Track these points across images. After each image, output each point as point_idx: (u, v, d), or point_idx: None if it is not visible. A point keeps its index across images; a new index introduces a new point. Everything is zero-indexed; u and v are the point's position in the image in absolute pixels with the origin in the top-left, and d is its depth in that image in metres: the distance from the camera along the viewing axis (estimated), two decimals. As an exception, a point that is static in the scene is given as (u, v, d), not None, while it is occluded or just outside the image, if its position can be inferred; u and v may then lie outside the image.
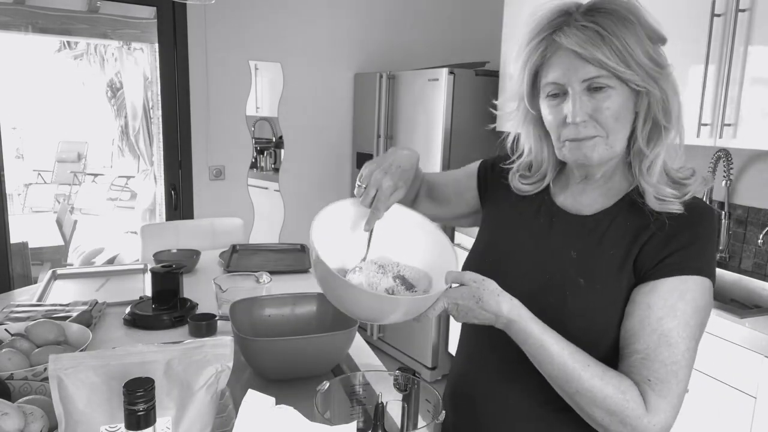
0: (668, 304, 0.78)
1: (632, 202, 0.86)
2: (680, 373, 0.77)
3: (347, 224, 0.99)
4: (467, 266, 1.00)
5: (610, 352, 0.83)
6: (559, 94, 0.83)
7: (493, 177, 1.06)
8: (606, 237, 0.86)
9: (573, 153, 0.85)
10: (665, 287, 0.79)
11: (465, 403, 0.97)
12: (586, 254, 0.86)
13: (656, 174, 0.83)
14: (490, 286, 0.80)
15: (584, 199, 0.92)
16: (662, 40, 0.83)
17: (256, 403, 0.71)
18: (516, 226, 0.98)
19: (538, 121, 0.90)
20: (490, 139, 3.02)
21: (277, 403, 0.73)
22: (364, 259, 0.90)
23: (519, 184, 0.98)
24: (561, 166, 0.96)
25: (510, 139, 0.98)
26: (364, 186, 1.00)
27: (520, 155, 0.98)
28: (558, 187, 0.96)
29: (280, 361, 1.14)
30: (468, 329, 1.02)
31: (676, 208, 0.82)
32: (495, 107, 1.01)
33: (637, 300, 0.81)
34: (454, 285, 0.82)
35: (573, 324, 0.83)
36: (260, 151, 3.57)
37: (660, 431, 0.77)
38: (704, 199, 2.26)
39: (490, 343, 0.93)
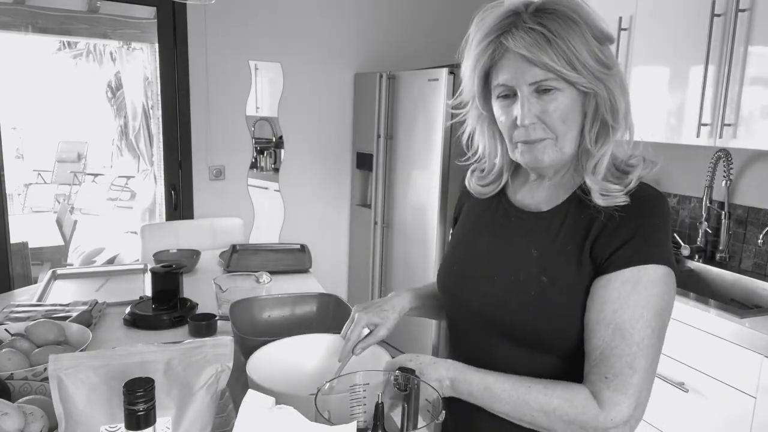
0: (621, 296, 0.79)
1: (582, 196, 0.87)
2: (636, 364, 0.78)
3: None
4: (439, 278, 1.03)
5: (579, 348, 0.84)
6: (510, 95, 0.84)
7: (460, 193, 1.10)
8: (561, 233, 0.87)
9: (524, 156, 0.87)
10: (618, 280, 0.80)
11: (459, 407, 0.98)
12: (545, 252, 0.88)
13: (602, 172, 0.84)
14: (425, 359, 0.86)
15: (540, 195, 0.93)
16: (609, 40, 0.84)
17: (256, 403, 0.71)
18: (479, 230, 0.99)
19: (492, 120, 0.92)
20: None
21: (276, 404, 0.73)
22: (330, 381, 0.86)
23: (477, 186, 1.00)
24: (516, 164, 0.96)
25: (465, 136, 0.99)
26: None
27: (475, 152, 1.00)
28: (515, 184, 0.98)
29: (280, 361, 1.14)
30: (451, 349, 1.03)
31: (621, 201, 0.82)
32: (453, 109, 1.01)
33: (594, 295, 0.82)
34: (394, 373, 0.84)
35: (541, 323, 0.85)
36: (260, 151, 3.57)
37: (621, 423, 0.77)
38: (704, 199, 2.26)
39: (472, 357, 0.93)
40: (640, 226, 0.81)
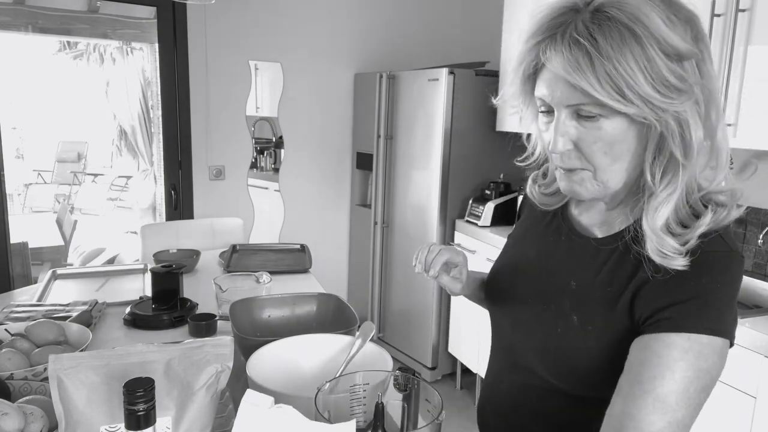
0: (663, 362, 0.66)
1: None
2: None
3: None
4: (487, 278, 0.99)
5: (591, 393, 0.77)
6: (550, 111, 0.72)
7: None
8: (605, 269, 0.76)
9: (562, 183, 0.76)
10: (661, 343, 0.67)
11: (494, 419, 0.96)
12: (584, 286, 0.78)
13: (663, 218, 0.69)
14: None
15: (596, 217, 0.82)
16: (683, 57, 0.65)
17: (255, 403, 0.71)
18: (529, 240, 0.92)
19: None
20: (490, 139, 3.02)
21: (276, 403, 0.73)
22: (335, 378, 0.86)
23: (540, 196, 0.89)
24: None
25: (525, 138, 0.88)
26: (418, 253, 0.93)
27: (531, 154, 0.87)
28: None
29: (280, 361, 1.14)
30: (494, 344, 0.99)
31: (678, 264, 0.68)
32: (494, 105, 0.92)
33: (631, 356, 0.70)
34: None
35: (559, 360, 0.79)
36: (260, 151, 3.57)
37: None
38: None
39: (513, 363, 0.91)
40: (700, 286, 0.67)
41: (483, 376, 1.17)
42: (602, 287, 0.76)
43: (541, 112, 0.75)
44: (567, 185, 0.76)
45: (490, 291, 0.98)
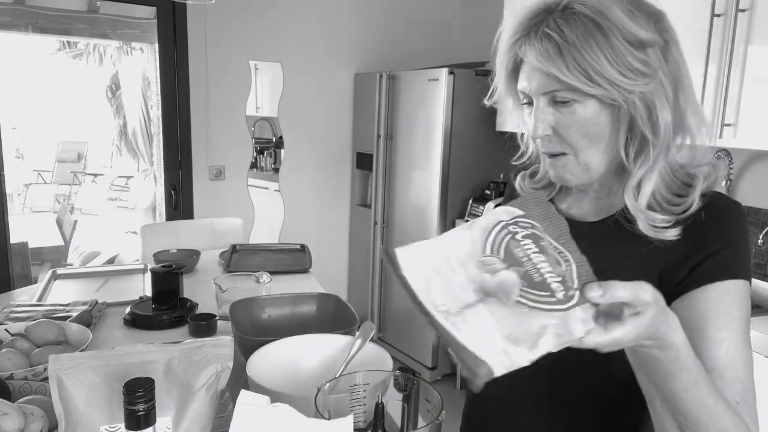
0: (722, 312, 0.70)
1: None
2: (753, 389, 0.70)
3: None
4: None
5: (629, 377, 0.72)
6: (531, 102, 0.78)
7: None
8: (619, 242, 0.78)
9: (551, 172, 0.81)
10: (711, 295, 0.71)
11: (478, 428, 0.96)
12: (597, 262, 0.78)
13: (646, 196, 0.75)
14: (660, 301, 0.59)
15: (586, 207, 0.85)
16: (646, 44, 0.72)
17: (251, 403, 0.71)
18: None
19: None
20: (490, 139, 3.02)
21: (275, 402, 0.73)
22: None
23: (530, 190, 0.91)
24: None
25: (519, 137, 0.92)
26: None
27: (524, 152, 0.91)
28: (561, 193, 0.90)
29: (280, 361, 1.14)
30: None
31: (672, 234, 0.73)
32: (494, 106, 0.94)
33: (685, 315, 0.69)
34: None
35: (571, 354, 0.75)
36: (260, 151, 3.57)
37: None
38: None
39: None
40: (729, 235, 0.74)
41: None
42: (620, 259, 0.77)
43: (524, 104, 0.80)
44: (554, 172, 0.80)
45: None
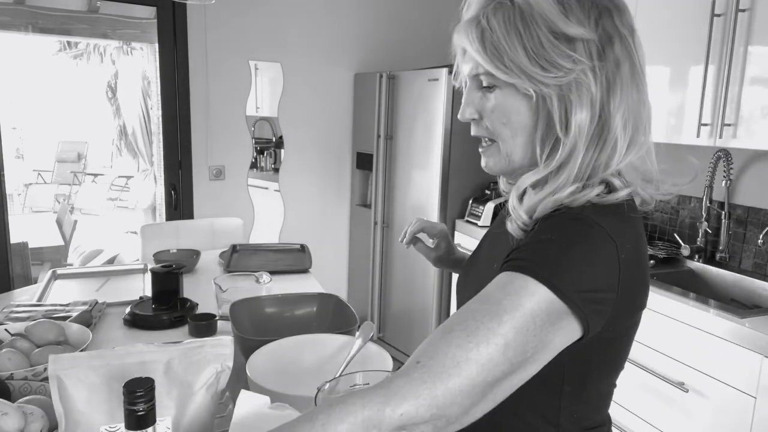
0: (485, 292, 0.66)
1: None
2: (465, 367, 0.59)
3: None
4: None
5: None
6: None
7: None
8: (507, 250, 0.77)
9: (482, 160, 0.83)
10: (492, 280, 0.67)
11: None
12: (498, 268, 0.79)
13: (518, 189, 0.76)
14: None
15: (528, 197, 0.84)
16: (573, 39, 0.70)
17: (251, 403, 0.71)
18: (487, 239, 0.97)
19: None
20: (490, 139, 3.02)
21: (275, 402, 0.73)
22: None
23: (506, 185, 0.93)
24: None
25: None
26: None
27: None
28: None
29: (280, 361, 1.14)
30: None
31: (521, 223, 0.74)
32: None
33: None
34: None
35: None
36: (260, 151, 3.57)
37: (409, 420, 0.57)
38: (704, 199, 2.26)
39: None
40: (534, 237, 0.70)
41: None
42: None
43: (464, 87, 0.81)
44: (482, 160, 0.83)
45: (458, 280, 1.02)
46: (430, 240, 1.20)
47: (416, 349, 0.63)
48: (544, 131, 0.74)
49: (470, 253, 1.03)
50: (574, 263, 0.66)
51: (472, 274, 0.93)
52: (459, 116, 0.80)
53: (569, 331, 0.65)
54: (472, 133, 0.82)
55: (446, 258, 1.19)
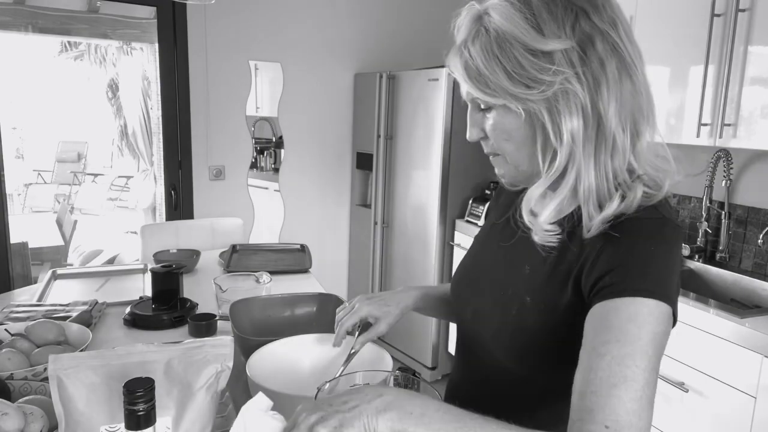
0: (614, 325, 0.67)
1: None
2: (644, 415, 0.63)
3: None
4: (452, 280, 1.02)
5: (555, 377, 0.77)
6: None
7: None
8: (554, 250, 0.80)
9: (496, 170, 0.85)
10: (607, 308, 0.68)
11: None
12: (536, 270, 0.82)
13: (528, 201, 0.79)
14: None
15: (542, 207, 0.85)
16: (551, 53, 0.71)
17: (254, 406, 0.70)
18: (491, 237, 0.97)
19: None
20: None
21: (275, 403, 0.72)
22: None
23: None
24: None
25: None
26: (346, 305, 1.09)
27: None
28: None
29: (280, 361, 1.14)
30: (458, 340, 1.01)
31: (554, 242, 0.78)
32: None
33: (584, 330, 0.70)
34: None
35: (517, 343, 0.81)
36: (260, 151, 3.57)
37: None
38: (704, 199, 2.26)
39: (474, 354, 0.92)
40: (634, 250, 0.71)
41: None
42: (552, 268, 0.80)
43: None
44: (497, 170, 0.85)
45: (454, 290, 1.00)
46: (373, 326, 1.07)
47: (584, 404, 0.65)
48: (543, 142, 0.75)
49: (462, 258, 1.03)
50: (675, 271, 0.72)
51: (485, 280, 0.92)
52: (467, 137, 0.83)
53: (670, 326, 0.72)
54: (485, 151, 0.84)
55: (428, 306, 1.10)
